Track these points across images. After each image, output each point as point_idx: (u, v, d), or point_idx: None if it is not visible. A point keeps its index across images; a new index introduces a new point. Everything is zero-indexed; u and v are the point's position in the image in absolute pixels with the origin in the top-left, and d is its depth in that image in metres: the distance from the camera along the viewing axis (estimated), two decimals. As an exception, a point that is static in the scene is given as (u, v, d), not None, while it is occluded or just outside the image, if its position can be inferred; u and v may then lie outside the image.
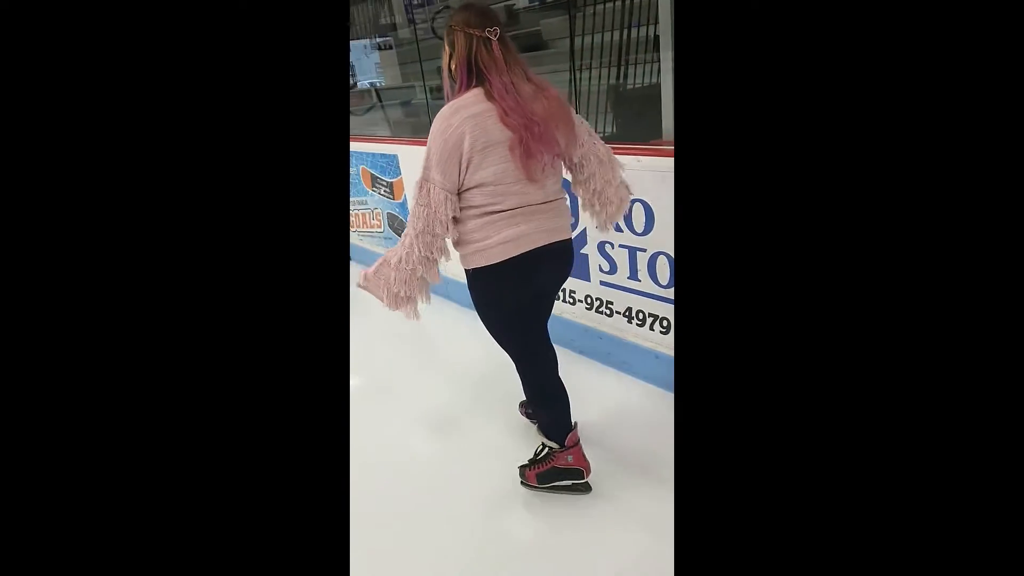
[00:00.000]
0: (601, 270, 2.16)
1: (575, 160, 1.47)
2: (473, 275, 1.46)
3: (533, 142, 1.32)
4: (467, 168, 1.34)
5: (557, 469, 1.62)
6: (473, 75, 1.35)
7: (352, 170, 3.47)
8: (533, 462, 1.68)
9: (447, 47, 1.40)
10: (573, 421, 1.65)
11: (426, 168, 1.36)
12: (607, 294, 2.18)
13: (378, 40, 7.47)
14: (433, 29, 4.99)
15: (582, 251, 2.20)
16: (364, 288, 1.50)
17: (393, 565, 1.54)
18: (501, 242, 1.39)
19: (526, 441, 1.89)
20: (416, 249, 1.39)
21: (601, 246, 2.12)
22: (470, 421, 2.12)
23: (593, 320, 2.29)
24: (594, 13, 2.98)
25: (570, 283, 2.32)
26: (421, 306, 1.55)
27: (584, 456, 1.62)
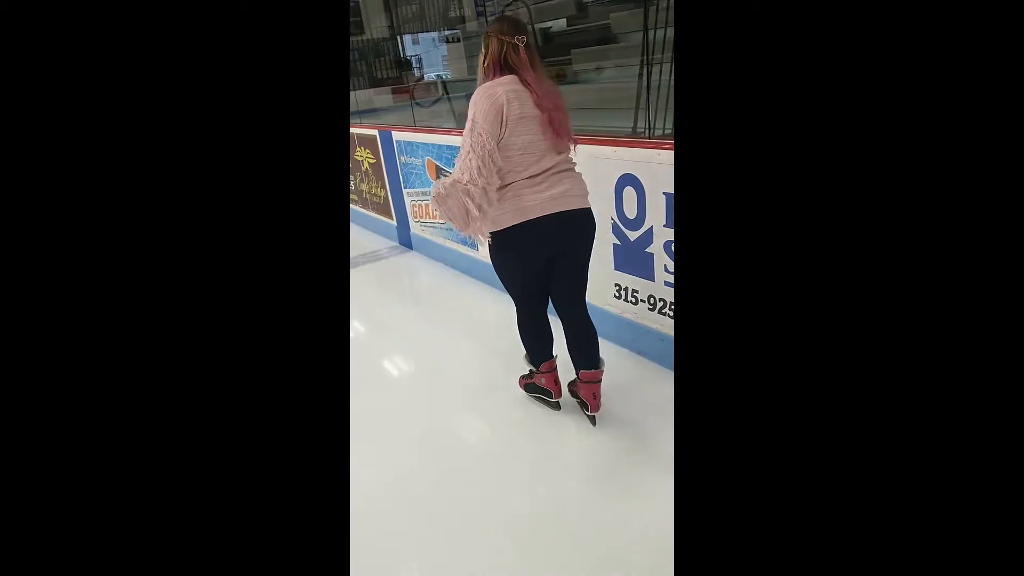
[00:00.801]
0: (666, 270, 2.08)
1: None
2: (499, 232, 1.67)
3: (558, 124, 1.63)
4: (505, 129, 1.58)
5: (534, 384, 2.08)
6: (505, 72, 1.64)
7: (417, 161, 3.48)
8: (525, 375, 2.15)
9: (482, 49, 1.68)
10: (554, 355, 2.00)
11: (474, 121, 1.58)
12: (672, 295, 2.09)
13: (446, 33, 7.57)
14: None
15: (647, 249, 2.12)
16: (439, 201, 1.62)
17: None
18: (519, 208, 1.62)
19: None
20: (484, 173, 1.56)
21: (667, 245, 2.04)
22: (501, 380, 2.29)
23: (655, 321, 2.21)
24: (667, 7, 2.88)
25: (632, 282, 2.24)
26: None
27: (556, 382, 2.02)
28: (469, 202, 1.57)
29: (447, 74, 6.80)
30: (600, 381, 1.91)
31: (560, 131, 1.63)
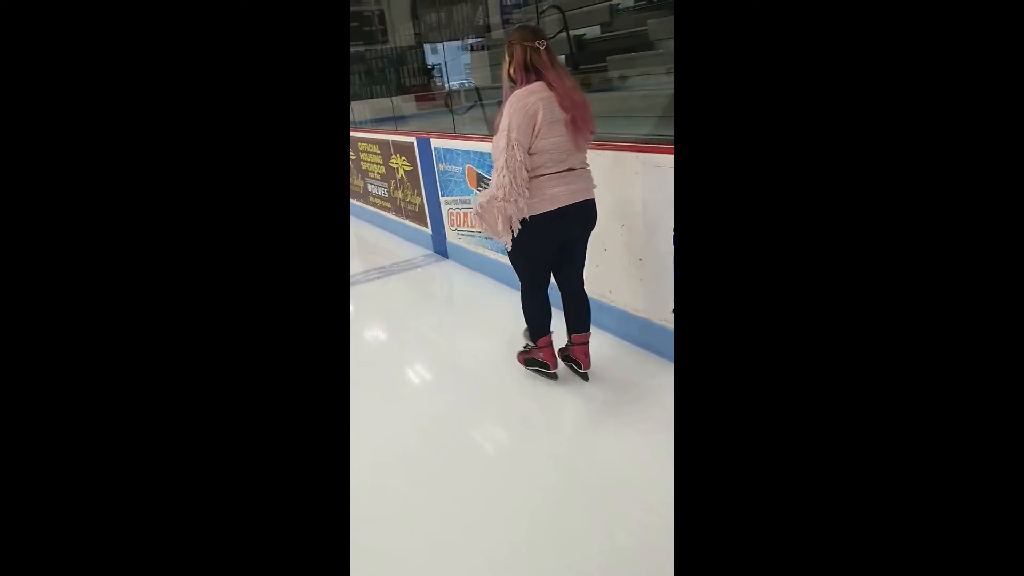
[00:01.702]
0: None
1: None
2: (533, 218, 1.90)
3: (580, 121, 1.85)
4: (537, 135, 1.82)
5: (533, 359, 2.30)
6: (531, 74, 1.86)
7: (456, 168, 3.37)
8: (522, 350, 2.38)
9: (507, 56, 1.90)
10: (550, 330, 2.21)
11: (508, 131, 1.81)
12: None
13: (470, 42, 7.54)
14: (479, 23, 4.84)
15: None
16: (479, 215, 1.96)
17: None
18: (548, 197, 1.87)
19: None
20: (516, 187, 1.83)
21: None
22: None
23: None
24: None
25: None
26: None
27: (553, 355, 2.25)
28: (502, 216, 1.88)
29: (470, 82, 6.78)
30: (588, 342, 2.22)
31: (581, 128, 1.86)
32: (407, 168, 4.00)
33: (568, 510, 1.64)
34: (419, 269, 3.80)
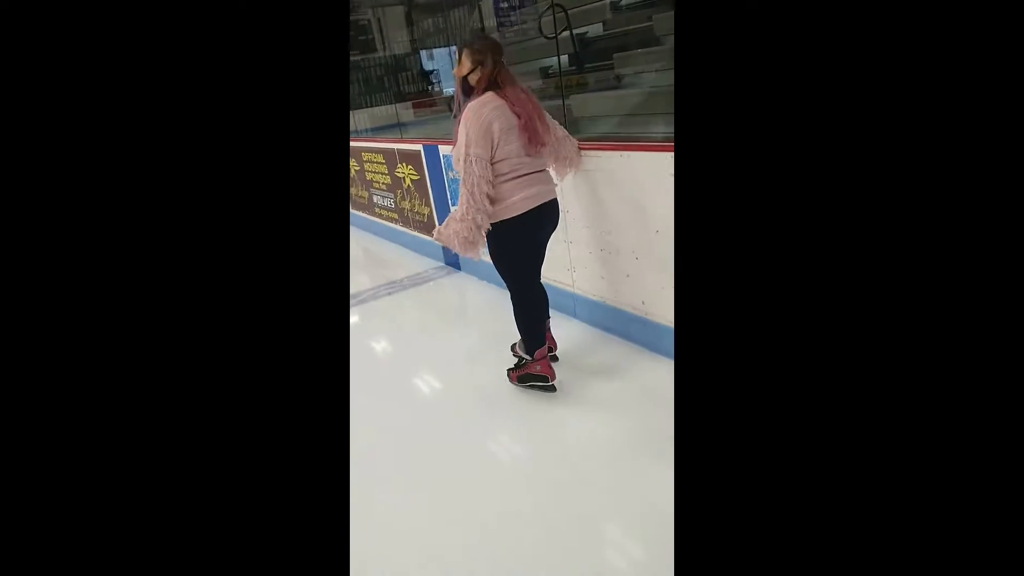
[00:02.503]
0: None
1: (549, 141, 2.03)
2: (500, 226, 1.94)
3: (532, 127, 1.90)
4: (496, 145, 1.86)
5: (530, 374, 2.19)
6: (489, 86, 1.90)
7: (467, 176, 3.16)
8: (515, 368, 2.27)
9: (470, 63, 1.90)
10: (545, 341, 2.18)
11: (467, 146, 1.84)
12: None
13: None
14: (540, 28, 4.75)
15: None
16: (438, 240, 2.01)
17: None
18: (523, 199, 1.92)
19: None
20: (474, 203, 1.86)
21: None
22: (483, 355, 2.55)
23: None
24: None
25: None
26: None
27: (550, 367, 2.17)
28: (458, 237, 1.91)
29: None
30: (550, 327, 2.29)
31: (534, 133, 1.91)
32: (414, 177, 3.80)
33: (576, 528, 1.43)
34: (431, 283, 3.59)
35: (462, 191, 1.88)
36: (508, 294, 2.15)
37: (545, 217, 2.02)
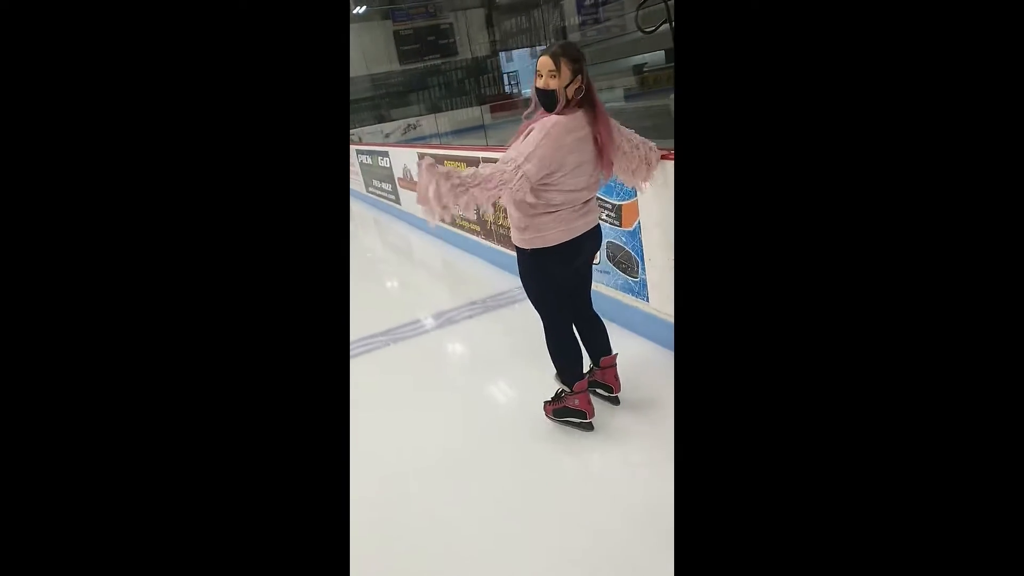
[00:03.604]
0: None
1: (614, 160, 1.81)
2: (531, 254, 1.80)
3: (608, 158, 1.74)
4: (557, 174, 1.65)
5: (567, 408, 2.01)
6: (583, 102, 1.67)
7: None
8: (551, 400, 2.06)
9: (570, 73, 1.63)
10: (584, 374, 2.02)
11: (525, 159, 1.58)
12: None
13: (540, 48, 7.11)
14: (638, 23, 4.29)
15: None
16: (425, 171, 1.55)
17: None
18: (562, 231, 1.76)
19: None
20: (486, 194, 1.57)
21: None
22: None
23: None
24: None
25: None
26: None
27: (589, 402, 2.01)
28: (461, 201, 1.55)
29: None
30: (615, 364, 2.10)
31: (608, 164, 1.75)
32: (500, 188, 3.38)
33: None
34: (516, 305, 3.15)
35: (493, 183, 1.57)
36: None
37: (584, 246, 1.85)
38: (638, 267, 2.40)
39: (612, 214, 2.45)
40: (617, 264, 2.54)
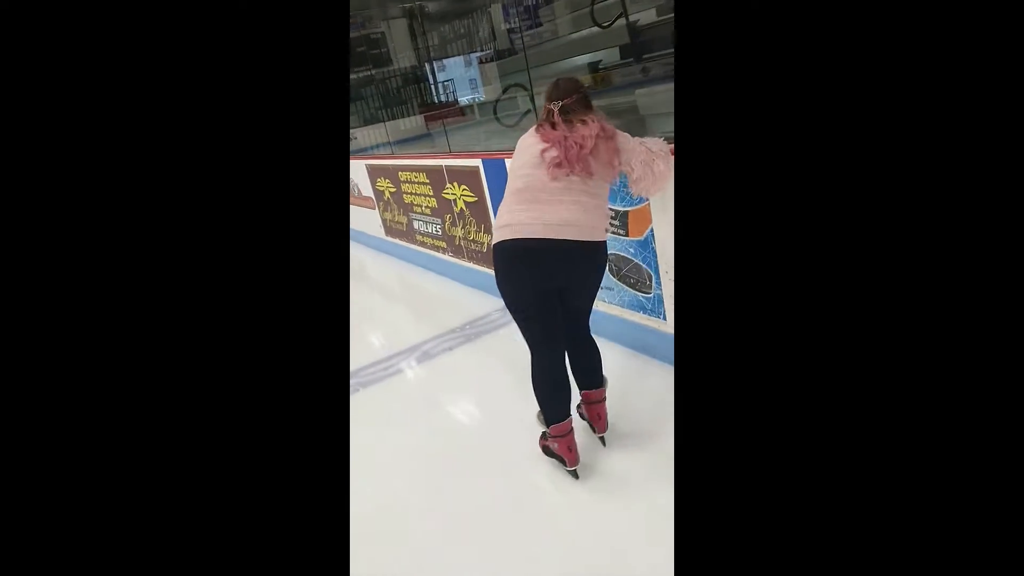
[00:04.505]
0: None
1: (617, 168, 1.66)
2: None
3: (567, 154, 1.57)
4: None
5: (548, 448, 1.78)
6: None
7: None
8: (542, 436, 1.83)
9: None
10: (567, 415, 1.71)
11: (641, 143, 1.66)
12: None
13: (478, 54, 7.02)
14: (593, 18, 4.01)
15: None
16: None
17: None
18: (508, 226, 1.57)
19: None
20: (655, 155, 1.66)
21: None
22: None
23: None
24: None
25: None
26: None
27: (569, 449, 1.70)
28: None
29: (480, 96, 6.12)
30: (603, 400, 1.82)
31: (560, 160, 1.57)
32: (470, 199, 2.96)
33: None
34: (501, 330, 2.73)
35: (658, 159, 1.64)
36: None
37: (538, 258, 1.56)
38: (651, 281, 2.04)
39: (616, 222, 2.08)
40: (623, 279, 2.17)
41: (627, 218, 2.04)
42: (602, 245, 1.64)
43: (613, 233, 2.11)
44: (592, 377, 1.80)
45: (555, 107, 1.65)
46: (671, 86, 2.86)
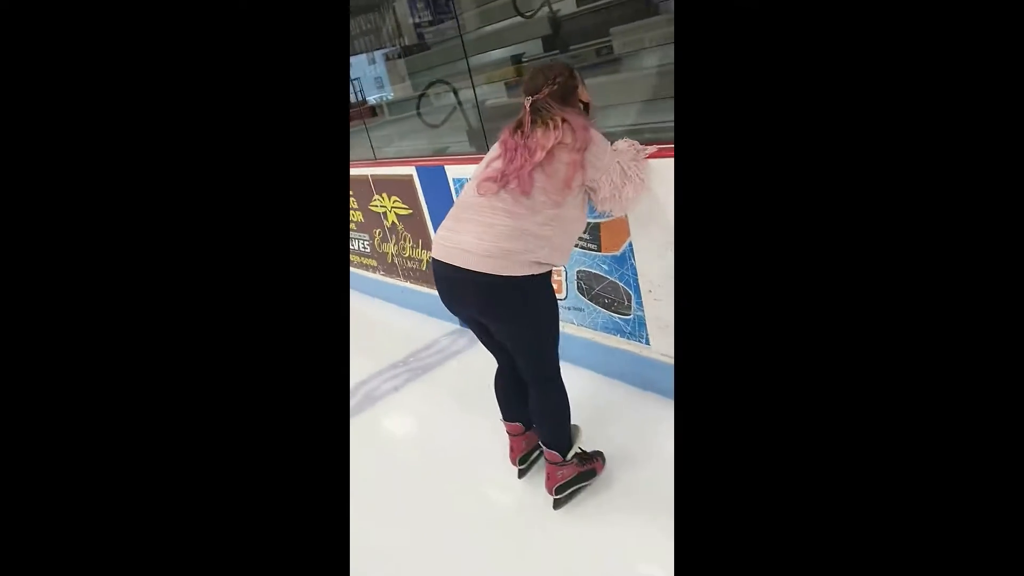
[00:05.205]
0: None
1: (577, 186, 1.37)
2: None
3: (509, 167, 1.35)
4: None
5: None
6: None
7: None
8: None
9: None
10: (513, 420, 1.64)
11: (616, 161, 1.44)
12: None
13: (385, 51, 6.69)
14: (516, 7, 3.71)
15: None
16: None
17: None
18: (438, 241, 1.41)
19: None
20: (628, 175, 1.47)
21: None
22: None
23: None
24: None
25: None
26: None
27: (512, 448, 1.67)
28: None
29: (390, 95, 5.78)
30: (555, 463, 1.51)
31: (495, 175, 1.34)
32: (403, 212, 2.57)
33: None
34: (452, 361, 2.37)
35: (628, 184, 1.42)
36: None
37: (448, 289, 1.40)
38: (630, 301, 1.77)
39: (587, 236, 1.78)
40: (596, 299, 1.89)
41: (599, 231, 1.75)
42: (530, 281, 1.32)
43: (582, 248, 1.82)
44: (543, 435, 1.51)
45: (527, 103, 1.37)
46: (601, 78, 2.64)
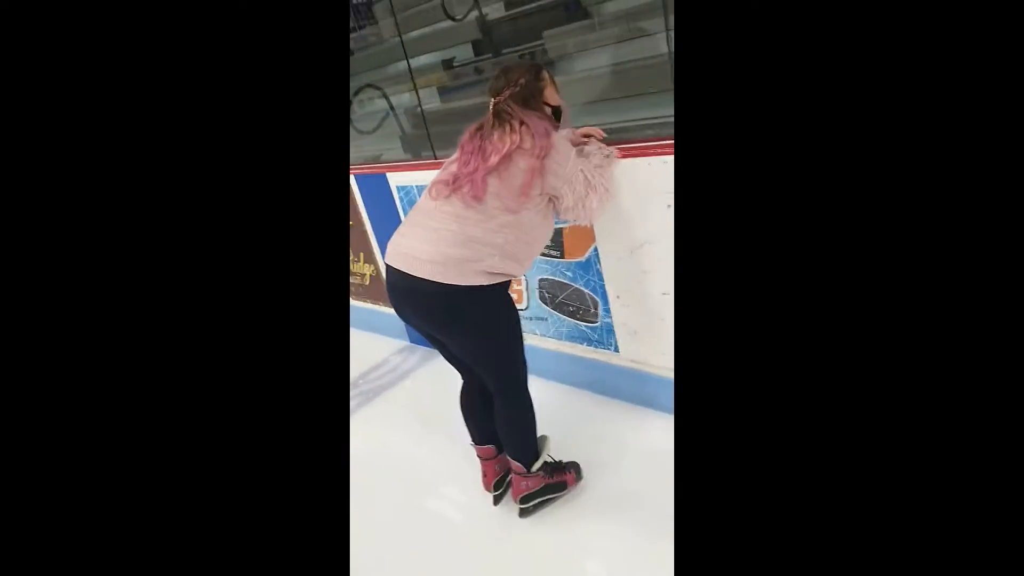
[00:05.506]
0: None
1: (536, 194, 1.28)
2: None
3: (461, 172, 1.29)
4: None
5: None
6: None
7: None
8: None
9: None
10: (482, 444, 1.54)
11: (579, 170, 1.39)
12: None
13: None
14: (445, 10, 3.61)
15: None
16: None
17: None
18: (391, 246, 1.33)
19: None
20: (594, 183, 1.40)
21: None
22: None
23: None
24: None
25: None
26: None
27: (484, 473, 1.57)
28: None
29: None
30: (520, 475, 1.45)
31: (447, 179, 1.28)
32: (342, 225, 2.39)
33: None
34: (407, 380, 2.22)
35: (592, 194, 1.32)
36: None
37: (398, 299, 1.31)
38: (596, 308, 1.70)
39: (549, 243, 1.69)
40: (560, 307, 1.80)
41: (562, 237, 1.67)
42: (481, 292, 1.24)
43: (545, 256, 1.73)
44: (505, 440, 1.46)
45: (491, 106, 1.33)
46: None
